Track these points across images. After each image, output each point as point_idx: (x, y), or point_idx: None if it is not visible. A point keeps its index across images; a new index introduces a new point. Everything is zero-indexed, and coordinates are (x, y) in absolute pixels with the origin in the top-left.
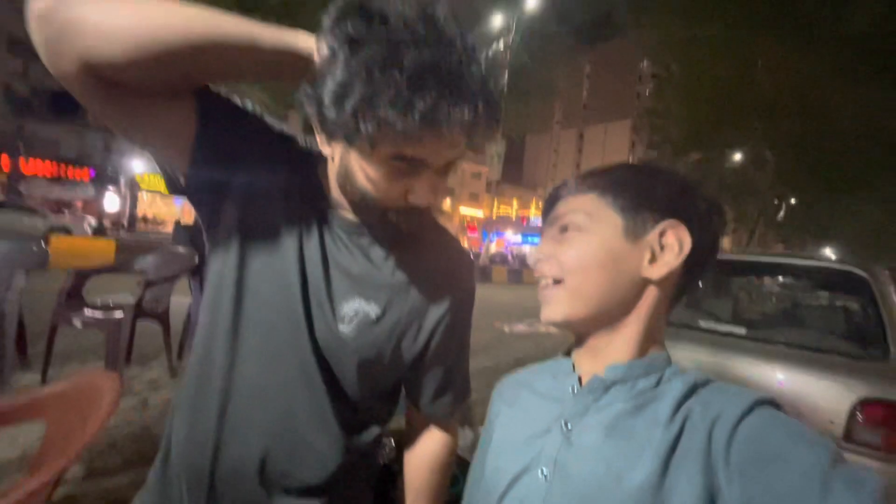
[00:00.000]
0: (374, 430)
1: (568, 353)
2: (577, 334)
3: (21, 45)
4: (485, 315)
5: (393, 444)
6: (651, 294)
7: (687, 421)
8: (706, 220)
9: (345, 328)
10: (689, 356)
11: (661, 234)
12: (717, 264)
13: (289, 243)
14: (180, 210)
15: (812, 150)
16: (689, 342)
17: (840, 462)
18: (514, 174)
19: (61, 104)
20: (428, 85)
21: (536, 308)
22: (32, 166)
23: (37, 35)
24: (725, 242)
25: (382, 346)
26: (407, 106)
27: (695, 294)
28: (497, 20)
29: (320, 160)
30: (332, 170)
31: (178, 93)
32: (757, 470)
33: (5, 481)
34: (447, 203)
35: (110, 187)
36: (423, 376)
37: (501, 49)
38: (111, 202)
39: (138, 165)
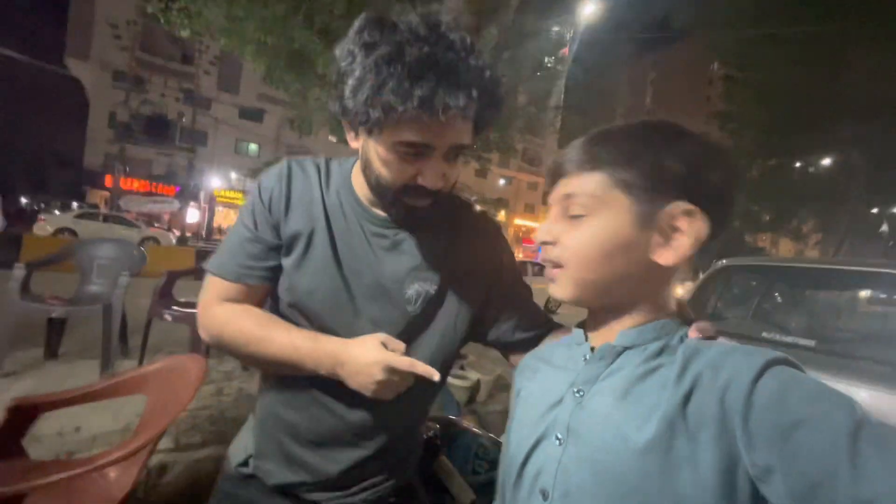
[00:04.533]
0: (426, 404)
1: (580, 325)
2: (588, 308)
3: (123, 78)
4: None
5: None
6: (659, 273)
7: (696, 387)
8: (722, 198)
9: (412, 308)
10: None
11: (674, 218)
12: (785, 273)
13: (347, 253)
14: None
15: None
16: None
17: (866, 421)
18: None
19: (155, 129)
20: (426, 75)
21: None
22: (129, 183)
23: (201, 331)
24: (811, 253)
25: (451, 315)
26: (407, 93)
27: (762, 306)
28: (555, 31)
29: (348, 177)
30: (358, 165)
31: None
32: (779, 436)
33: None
34: (502, 214)
35: (192, 202)
36: (502, 321)
37: (560, 59)
38: (192, 215)
39: (216, 182)
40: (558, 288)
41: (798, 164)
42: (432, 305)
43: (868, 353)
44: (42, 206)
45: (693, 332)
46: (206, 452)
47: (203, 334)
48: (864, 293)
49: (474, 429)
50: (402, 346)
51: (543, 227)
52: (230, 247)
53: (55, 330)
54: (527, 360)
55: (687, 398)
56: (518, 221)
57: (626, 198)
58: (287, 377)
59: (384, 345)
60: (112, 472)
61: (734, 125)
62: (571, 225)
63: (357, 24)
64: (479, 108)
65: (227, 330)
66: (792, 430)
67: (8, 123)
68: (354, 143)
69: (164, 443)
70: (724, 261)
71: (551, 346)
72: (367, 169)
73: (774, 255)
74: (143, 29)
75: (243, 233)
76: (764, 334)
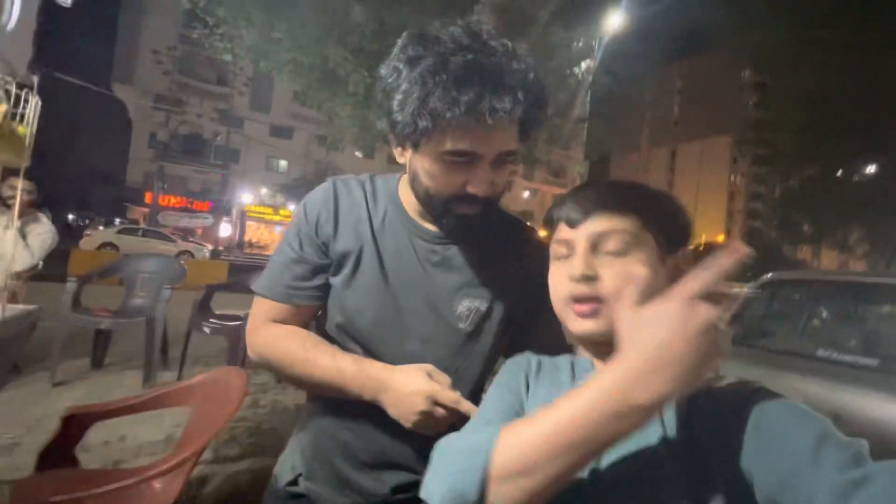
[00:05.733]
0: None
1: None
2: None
3: (163, 100)
4: None
5: None
6: None
7: (693, 412)
8: (675, 225)
9: (464, 326)
10: (798, 388)
11: (686, 261)
12: (842, 287)
13: (396, 271)
14: (280, 235)
15: None
16: (801, 373)
17: (832, 433)
18: None
19: (191, 148)
20: (471, 81)
21: None
22: (166, 200)
23: (250, 351)
24: (859, 267)
25: (498, 331)
26: (454, 100)
27: (812, 322)
28: (582, 42)
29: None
30: (406, 179)
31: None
32: (761, 443)
33: (156, 457)
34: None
35: (224, 217)
36: (534, 344)
37: (585, 70)
38: (224, 229)
39: (247, 197)
40: (599, 322)
41: (841, 172)
42: (483, 322)
43: None
44: (87, 221)
45: None
46: (245, 465)
47: (251, 354)
48: None
49: None
50: (447, 379)
51: (581, 262)
52: (276, 268)
53: (102, 341)
54: (530, 357)
55: (686, 420)
56: (543, 234)
57: (653, 239)
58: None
59: (430, 375)
60: (157, 483)
61: (769, 133)
62: (611, 261)
63: (401, 41)
64: (525, 111)
65: (273, 351)
66: (771, 436)
67: (57, 143)
68: (402, 158)
69: (204, 455)
70: (771, 274)
71: (552, 361)
72: (414, 182)
73: (819, 269)
74: (181, 54)
75: (289, 253)
76: (820, 352)
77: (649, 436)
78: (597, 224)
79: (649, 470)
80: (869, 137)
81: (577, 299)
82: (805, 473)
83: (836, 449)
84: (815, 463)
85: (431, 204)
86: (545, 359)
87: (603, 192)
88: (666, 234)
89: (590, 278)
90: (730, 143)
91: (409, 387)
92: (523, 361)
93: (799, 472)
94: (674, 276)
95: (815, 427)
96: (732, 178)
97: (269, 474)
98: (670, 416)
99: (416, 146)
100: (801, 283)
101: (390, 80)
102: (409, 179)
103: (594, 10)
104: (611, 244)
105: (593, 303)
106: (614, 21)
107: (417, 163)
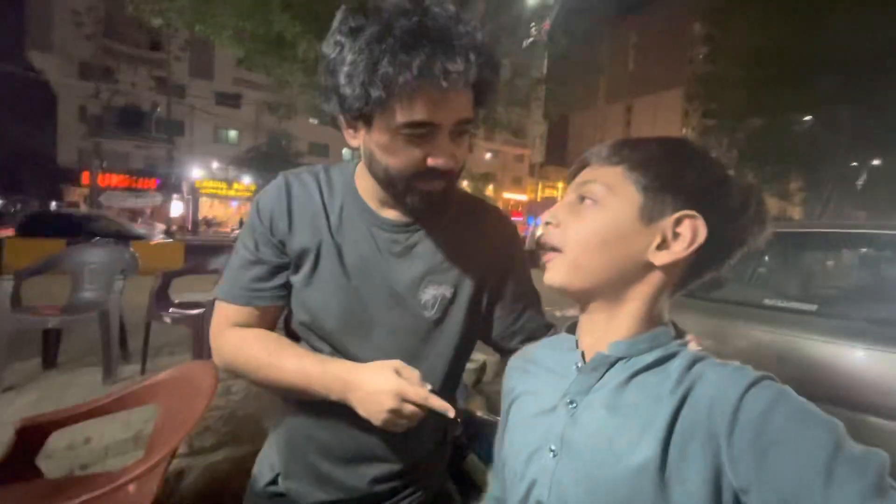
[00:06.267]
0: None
1: (570, 330)
2: (580, 306)
3: (90, 69)
4: None
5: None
6: (654, 277)
7: (686, 400)
8: (735, 216)
9: (430, 313)
10: (749, 336)
11: (677, 222)
12: (784, 238)
13: (358, 263)
14: (236, 210)
15: None
16: (749, 321)
17: (845, 443)
18: (558, 155)
19: (129, 121)
20: (420, 45)
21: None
22: (107, 179)
23: (215, 357)
24: (796, 213)
25: (466, 316)
26: (404, 63)
27: (758, 271)
28: (536, 2)
29: (352, 183)
30: (362, 167)
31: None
32: (760, 453)
33: (125, 458)
34: (490, 189)
35: (174, 194)
36: (509, 323)
37: (539, 30)
38: (175, 208)
39: (198, 172)
40: (552, 272)
41: (783, 123)
42: (449, 307)
43: (867, 315)
44: (18, 206)
45: (693, 344)
46: (222, 455)
47: (216, 360)
48: (859, 252)
49: (497, 418)
50: (416, 374)
51: (553, 209)
52: (233, 271)
53: (51, 339)
54: (515, 362)
55: (677, 411)
56: (507, 195)
57: (637, 193)
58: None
59: (397, 372)
60: (131, 487)
61: (716, 87)
62: (578, 210)
63: (339, 15)
64: (478, 74)
65: (238, 356)
66: (771, 447)
67: None
68: (355, 141)
69: (179, 448)
70: None
71: (538, 347)
72: (372, 163)
73: None
74: (105, 15)
75: (245, 255)
76: (766, 301)
77: (622, 427)
78: (580, 176)
79: (621, 481)
80: (805, 90)
81: (540, 246)
82: (816, 495)
83: (853, 469)
84: (828, 484)
85: (392, 184)
86: (531, 352)
87: (603, 146)
88: (655, 191)
89: (549, 224)
90: (681, 97)
91: (376, 385)
92: (509, 367)
93: (808, 494)
94: (668, 236)
95: (826, 437)
96: (685, 130)
97: (247, 462)
98: (652, 419)
99: (369, 123)
100: None
101: (333, 56)
102: (366, 162)
103: None
104: (584, 194)
105: (550, 252)
106: None
107: (372, 142)
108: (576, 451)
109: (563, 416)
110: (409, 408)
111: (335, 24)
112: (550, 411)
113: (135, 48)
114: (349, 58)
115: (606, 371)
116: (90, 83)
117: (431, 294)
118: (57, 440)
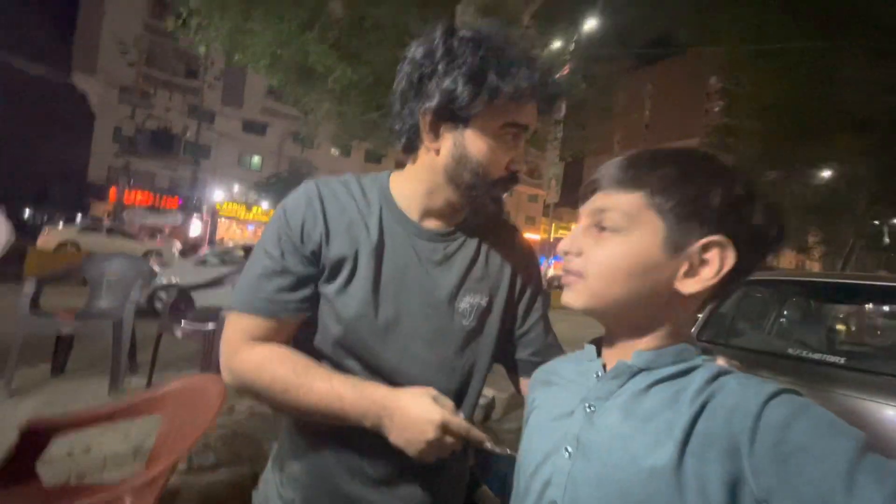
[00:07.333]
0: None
1: (594, 341)
2: (603, 323)
3: (127, 93)
4: None
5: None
6: (679, 303)
7: (706, 407)
8: (759, 238)
9: (467, 322)
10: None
11: (705, 248)
12: (807, 288)
13: (396, 272)
14: (252, 234)
15: None
16: (773, 371)
17: (868, 452)
18: (572, 197)
19: (159, 143)
20: (523, 63)
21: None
22: (132, 196)
23: (226, 374)
24: (815, 268)
25: (500, 326)
26: (517, 78)
27: (780, 321)
28: (555, 45)
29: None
30: (432, 167)
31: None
32: (782, 461)
33: (123, 470)
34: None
35: (195, 214)
36: (526, 343)
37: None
38: (195, 227)
39: (219, 195)
40: (572, 295)
41: (800, 177)
42: (484, 317)
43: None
44: (45, 218)
45: (721, 360)
46: (221, 475)
47: (228, 378)
48: (884, 308)
49: (508, 451)
50: (451, 403)
51: (569, 237)
52: (253, 280)
53: (63, 345)
54: (538, 374)
55: (696, 418)
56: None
57: (660, 221)
58: None
59: (435, 400)
60: (127, 499)
61: (733, 139)
62: (599, 239)
63: (440, 29)
64: (556, 90)
65: (262, 376)
66: (793, 454)
67: (13, 135)
68: (434, 144)
69: (178, 465)
70: None
71: (560, 362)
72: (459, 163)
73: (783, 270)
74: (149, 45)
75: (267, 264)
76: (789, 351)
77: (641, 432)
78: (594, 201)
79: (637, 483)
80: (822, 144)
81: (564, 272)
82: (838, 503)
83: (876, 477)
84: (850, 492)
85: (475, 185)
86: (553, 365)
87: (614, 167)
88: (679, 218)
89: (567, 253)
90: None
91: (417, 412)
92: (532, 379)
93: (830, 502)
94: (696, 263)
95: (848, 446)
96: None
97: (246, 483)
98: (670, 425)
99: (465, 122)
100: (765, 283)
101: (440, 61)
102: (451, 163)
103: (570, 13)
104: (603, 222)
105: (570, 275)
106: (588, 26)
107: (469, 140)
108: (591, 453)
109: (581, 419)
110: (449, 440)
111: (437, 36)
112: (568, 415)
113: (172, 75)
114: (468, 60)
115: (628, 380)
116: (127, 105)
117: (468, 302)
118: (58, 447)
